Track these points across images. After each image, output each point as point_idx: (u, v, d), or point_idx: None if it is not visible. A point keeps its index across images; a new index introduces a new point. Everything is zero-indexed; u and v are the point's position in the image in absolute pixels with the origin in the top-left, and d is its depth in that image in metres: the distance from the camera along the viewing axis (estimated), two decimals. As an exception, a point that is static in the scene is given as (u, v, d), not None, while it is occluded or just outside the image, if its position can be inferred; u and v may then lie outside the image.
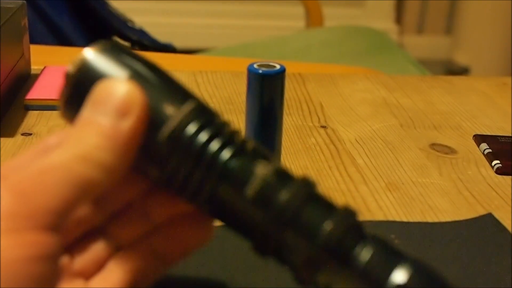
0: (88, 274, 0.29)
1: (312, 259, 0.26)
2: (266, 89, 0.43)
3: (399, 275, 0.25)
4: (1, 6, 0.60)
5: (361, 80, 0.71)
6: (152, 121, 0.27)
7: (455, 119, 0.62)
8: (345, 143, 0.55)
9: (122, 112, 0.26)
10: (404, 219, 0.44)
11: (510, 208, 0.46)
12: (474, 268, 0.39)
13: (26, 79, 0.64)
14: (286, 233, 0.26)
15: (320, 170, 0.50)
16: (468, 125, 0.60)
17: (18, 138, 0.53)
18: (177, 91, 0.28)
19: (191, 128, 0.27)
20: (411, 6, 2.71)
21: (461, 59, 2.61)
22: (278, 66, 0.43)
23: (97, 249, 0.29)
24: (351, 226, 0.26)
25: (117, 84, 0.26)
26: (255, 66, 0.43)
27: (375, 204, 0.46)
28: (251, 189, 0.26)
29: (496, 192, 0.48)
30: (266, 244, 0.27)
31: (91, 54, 0.28)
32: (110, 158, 0.25)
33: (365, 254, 0.26)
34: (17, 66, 0.61)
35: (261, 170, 0.27)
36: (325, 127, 0.58)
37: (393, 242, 0.27)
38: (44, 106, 0.58)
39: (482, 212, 0.45)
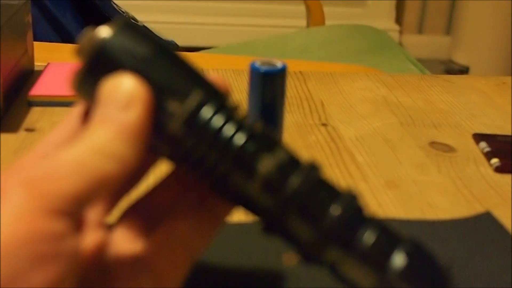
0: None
1: (318, 241, 0.27)
2: (268, 87, 0.44)
3: (399, 258, 0.26)
4: (5, 3, 0.60)
5: (362, 79, 0.71)
6: (167, 105, 0.27)
7: (454, 118, 0.62)
8: (345, 141, 0.56)
9: (126, 105, 0.27)
10: (403, 217, 0.44)
11: (508, 206, 0.47)
12: (472, 266, 0.39)
13: (29, 76, 0.64)
14: (295, 216, 0.27)
15: (321, 167, 0.51)
16: (467, 124, 0.61)
17: (22, 133, 0.53)
18: (190, 74, 0.28)
19: (206, 112, 0.27)
20: (411, 5, 2.72)
21: (461, 58, 2.62)
22: (279, 64, 0.44)
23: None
24: (355, 210, 0.27)
25: (120, 79, 0.27)
26: (257, 64, 0.44)
27: (375, 202, 0.46)
28: (263, 173, 0.27)
29: (494, 191, 0.49)
30: (275, 224, 0.28)
31: (107, 33, 0.28)
32: (121, 149, 0.26)
33: (368, 237, 0.27)
34: (21, 63, 0.61)
35: (273, 155, 0.27)
36: (326, 125, 0.59)
37: (392, 225, 0.27)
38: (47, 102, 0.58)
39: (480, 210, 0.46)
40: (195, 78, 0.28)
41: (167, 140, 0.28)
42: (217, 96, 0.28)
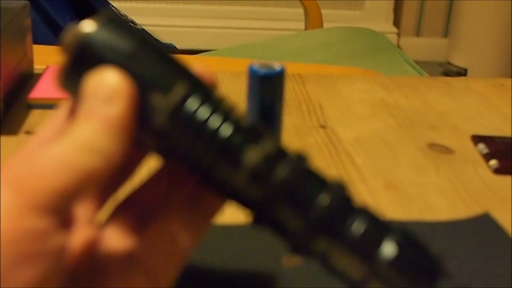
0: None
1: (307, 231, 0.27)
2: (266, 90, 0.44)
3: (389, 247, 0.26)
4: (4, 7, 0.60)
5: (360, 81, 0.72)
6: (151, 98, 0.27)
7: (452, 120, 0.62)
8: (343, 143, 0.56)
9: (109, 99, 0.27)
10: (402, 218, 0.45)
11: (507, 208, 0.47)
12: (471, 267, 0.39)
13: (29, 78, 0.64)
14: (282, 207, 0.27)
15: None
16: (465, 126, 0.61)
17: (21, 136, 0.54)
18: (174, 68, 0.28)
19: (191, 105, 0.27)
20: (409, 8, 2.72)
21: (459, 61, 2.62)
22: (278, 67, 0.44)
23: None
24: (343, 199, 0.27)
25: (103, 74, 0.27)
26: (256, 67, 0.44)
27: (373, 203, 0.46)
28: (249, 164, 0.27)
29: (493, 192, 0.49)
30: (263, 215, 0.28)
31: (91, 28, 0.28)
32: (105, 143, 0.26)
33: (357, 226, 0.27)
34: (20, 66, 0.61)
35: (259, 146, 0.27)
36: (324, 127, 0.59)
37: (381, 215, 0.27)
38: (47, 105, 0.58)
39: (479, 211, 0.46)
40: (179, 71, 0.28)
41: (153, 134, 0.28)
42: (202, 89, 0.28)
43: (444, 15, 2.73)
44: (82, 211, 0.30)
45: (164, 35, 1.40)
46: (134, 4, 2.53)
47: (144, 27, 1.21)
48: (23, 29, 0.63)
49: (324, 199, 0.27)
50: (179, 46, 1.27)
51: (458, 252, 0.41)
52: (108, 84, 0.27)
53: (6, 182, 0.24)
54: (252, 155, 0.27)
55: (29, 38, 0.65)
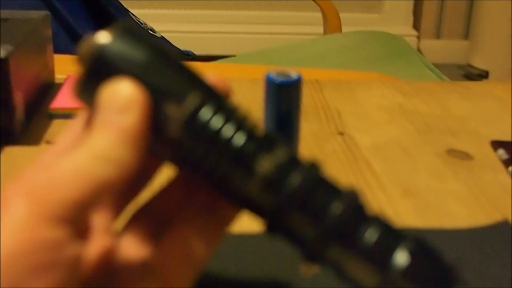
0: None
1: (320, 239, 0.27)
2: (283, 98, 0.44)
3: (402, 256, 0.26)
4: (25, 18, 0.61)
5: (378, 87, 0.72)
6: (165, 108, 0.28)
7: (471, 125, 0.62)
8: (361, 150, 0.56)
9: (124, 109, 0.27)
10: (421, 225, 0.45)
11: (526, 214, 0.46)
12: (490, 274, 0.39)
13: (50, 88, 0.65)
14: (295, 215, 0.27)
15: (337, 176, 0.51)
16: (485, 131, 0.61)
17: (43, 146, 0.54)
18: (188, 78, 0.29)
19: (204, 114, 0.28)
20: (429, 10, 2.71)
21: (480, 63, 2.60)
22: (295, 75, 0.44)
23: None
24: (356, 208, 0.27)
25: (118, 85, 0.28)
26: (273, 75, 0.44)
27: (391, 210, 0.46)
28: (262, 173, 0.27)
29: (512, 198, 0.49)
30: (276, 223, 0.28)
31: (106, 39, 0.28)
32: (119, 153, 0.26)
33: (370, 235, 0.27)
34: (41, 76, 0.62)
35: (272, 154, 0.28)
36: (342, 133, 0.59)
37: (394, 223, 0.27)
38: (68, 115, 0.59)
39: (498, 218, 0.46)
40: (192, 81, 0.28)
41: (167, 143, 0.28)
42: (215, 98, 0.28)
43: (464, 17, 2.71)
44: (99, 219, 0.31)
45: (183, 41, 1.41)
46: (153, 11, 2.55)
47: (163, 34, 1.22)
48: (44, 39, 0.64)
49: (337, 207, 0.27)
50: (198, 52, 1.28)
51: (477, 260, 0.40)
52: (123, 95, 0.27)
53: (22, 193, 0.25)
54: (265, 164, 0.27)
55: (50, 48, 0.66)
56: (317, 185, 0.28)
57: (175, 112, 0.28)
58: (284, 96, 0.45)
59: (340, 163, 0.53)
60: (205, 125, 0.28)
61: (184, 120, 0.27)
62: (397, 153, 0.56)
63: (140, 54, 0.28)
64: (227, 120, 0.28)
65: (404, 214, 0.46)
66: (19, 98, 0.54)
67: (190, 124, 0.27)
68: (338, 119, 0.62)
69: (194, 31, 2.56)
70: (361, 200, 0.28)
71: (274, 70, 0.45)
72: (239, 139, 0.28)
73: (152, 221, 0.32)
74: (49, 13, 0.65)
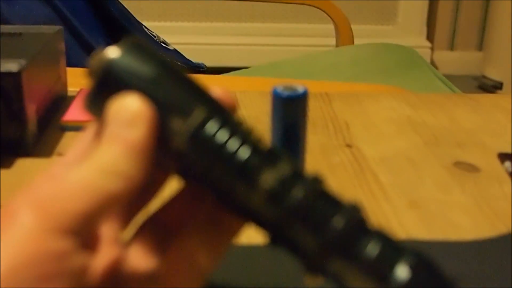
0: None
1: (321, 252, 0.27)
2: (289, 112, 0.45)
3: (402, 270, 0.27)
4: (39, 32, 0.63)
5: (387, 99, 0.72)
6: (171, 122, 0.28)
7: (479, 137, 0.62)
8: (369, 162, 0.56)
9: (131, 123, 0.28)
10: (426, 237, 0.45)
11: (531, 226, 0.47)
12: (494, 287, 0.39)
13: (62, 101, 0.67)
14: (297, 228, 0.28)
15: (344, 188, 0.52)
16: (492, 143, 0.61)
17: (54, 158, 0.55)
18: (194, 92, 0.29)
19: (210, 129, 0.28)
20: (443, 22, 2.71)
21: (494, 74, 2.59)
22: (301, 89, 0.45)
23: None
24: (357, 221, 0.28)
25: (125, 99, 0.28)
26: (279, 89, 0.45)
27: (397, 222, 0.47)
28: (265, 186, 0.28)
29: (518, 210, 0.49)
30: (279, 236, 0.29)
31: (115, 54, 0.29)
32: (126, 167, 0.27)
33: (372, 248, 0.27)
34: (54, 89, 0.64)
35: (275, 168, 0.28)
36: (350, 146, 0.59)
37: (396, 237, 0.28)
38: (80, 127, 0.60)
39: (504, 230, 0.46)
40: (198, 96, 0.29)
41: (173, 156, 0.29)
42: (220, 112, 0.29)
43: (478, 28, 2.71)
44: (106, 231, 0.31)
45: (197, 53, 1.42)
46: (167, 24, 2.57)
47: (177, 46, 1.23)
48: (57, 53, 0.65)
49: (338, 221, 0.27)
50: (212, 63, 1.29)
51: (482, 272, 0.41)
52: (130, 109, 0.28)
53: (29, 204, 0.26)
54: (268, 178, 0.28)
55: (62, 61, 0.67)
56: (319, 199, 0.28)
57: (181, 126, 0.28)
58: (290, 109, 0.45)
59: (347, 175, 0.54)
60: (210, 139, 0.28)
61: (190, 134, 0.28)
62: (404, 165, 0.56)
63: (148, 69, 0.29)
64: (232, 134, 0.28)
65: (410, 226, 0.46)
66: (31, 111, 0.55)
67: (195, 138, 0.28)
68: (346, 131, 0.63)
69: (207, 43, 2.58)
70: (363, 214, 0.28)
71: (281, 84, 0.46)
72: (244, 153, 0.28)
73: (159, 232, 0.32)
74: (62, 28, 0.66)
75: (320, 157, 0.57)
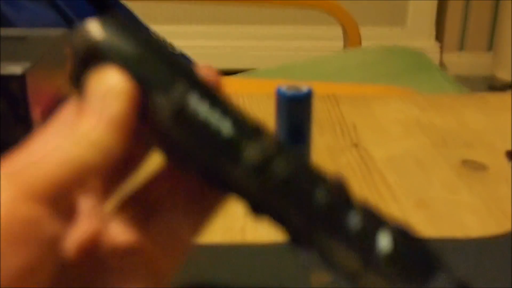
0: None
1: (304, 225, 0.27)
2: (294, 111, 0.45)
3: (386, 242, 0.27)
4: (44, 35, 0.63)
5: (395, 101, 0.72)
6: (153, 98, 0.28)
7: (487, 137, 0.62)
8: (376, 162, 0.56)
9: (109, 97, 0.27)
10: (433, 236, 0.44)
11: (541, 226, 0.46)
12: (501, 285, 0.39)
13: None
14: (280, 201, 0.28)
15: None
16: (500, 143, 0.60)
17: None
18: (177, 67, 0.29)
19: (192, 102, 0.28)
20: (452, 23, 2.70)
21: (504, 74, 2.58)
22: (305, 89, 0.45)
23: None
24: (341, 195, 0.28)
25: (104, 73, 0.28)
26: (283, 89, 0.45)
27: (404, 222, 0.46)
28: (248, 160, 0.28)
29: (527, 210, 0.48)
30: (261, 207, 0.28)
31: (96, 29, 0.29)
32: (103, 139, 0.27)
33: (355, 222, 0.27)
34: (60, 92, 0.64)
35: (258, 142, 0.28)
36: (357, 146, 0.59)
37: (379, 210, 0.28)
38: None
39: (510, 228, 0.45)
40: (181, 71, 0.29)
41: (156, 131, 0.29)
42: (203, 87, 0.29)
43: (488, 29, 2.70)
44: (85, 204, 0.31)
45: (205, 56, 1.42)
46: (175, 27, 2.58)
47: (184, 49, 1.23)
48: (62, 56, 0.65)
49: (322, 194, 0.27)
50: (220, 66, 1.29)
51: (488, 269, 0.40)
52: (108, 83, 0.28)
53: (5, 173, 0.25)
54: (251, 151, 0.28)
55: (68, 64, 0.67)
56: (302, 172, 0.28)
57: (162, 101, 0.28)
58: (295, 109, 0.45)
59: (355, 176, 0.53)
60: (192, 112, 0.28)
61: (171, 108, 0.28)
62: (411, 165, 0.56)
63: (130, 45, 0.29)
64: (214, 108, 0.28)
65: (417, 226, 0.46)
66: (37, 114, 0.55)
67: (177, 112, 0.28)
68: (354, 133, 0.63)
69: (215, 46, 2.58)
70: (346, 187, 0.28)
71: (285, 84, 0.46)
72: (227, 127, 0.28)
73: (141, 208, 0.32)
74: (67, 30, 0.66)
75: (327, 158, 0.57)
